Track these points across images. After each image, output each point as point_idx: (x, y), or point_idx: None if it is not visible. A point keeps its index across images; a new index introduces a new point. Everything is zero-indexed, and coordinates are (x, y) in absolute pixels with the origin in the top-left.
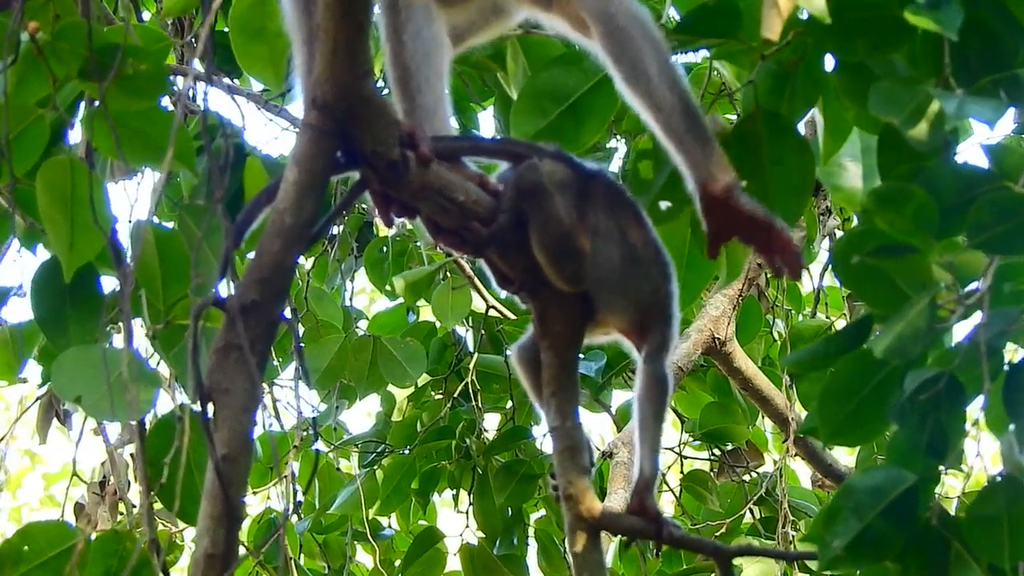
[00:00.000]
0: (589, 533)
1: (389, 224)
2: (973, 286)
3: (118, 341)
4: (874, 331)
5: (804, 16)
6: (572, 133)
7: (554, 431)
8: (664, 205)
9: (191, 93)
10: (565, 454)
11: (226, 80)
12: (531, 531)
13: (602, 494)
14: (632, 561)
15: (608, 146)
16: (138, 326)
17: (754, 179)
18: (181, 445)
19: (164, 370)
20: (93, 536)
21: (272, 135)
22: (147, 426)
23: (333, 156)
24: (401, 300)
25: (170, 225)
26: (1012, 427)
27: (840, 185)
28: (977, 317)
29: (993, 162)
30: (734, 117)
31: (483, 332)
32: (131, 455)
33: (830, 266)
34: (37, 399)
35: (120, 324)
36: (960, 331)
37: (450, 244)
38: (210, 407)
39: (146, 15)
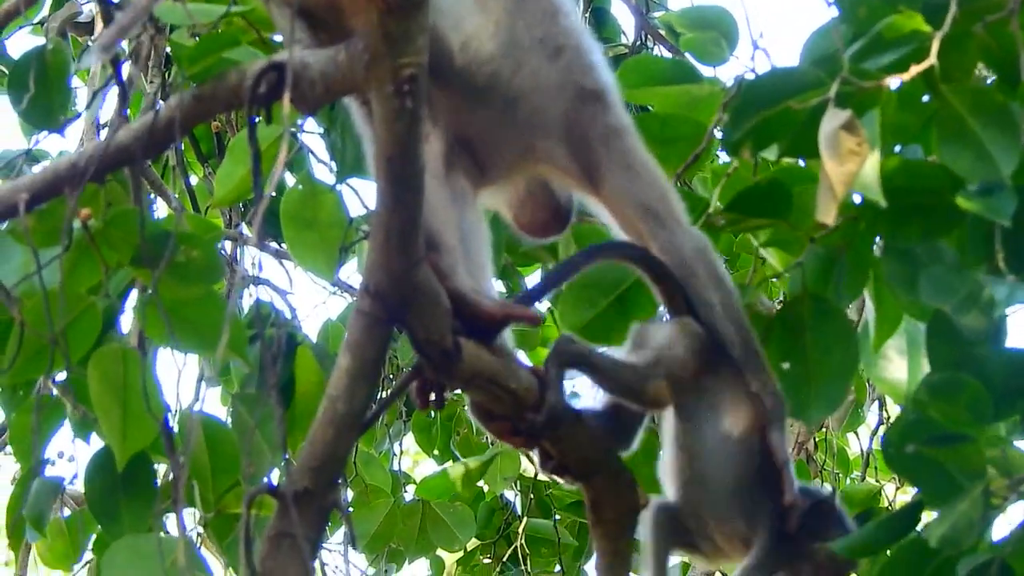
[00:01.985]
0: None
1: (422, 407)
2: None
3: (167, 529)
4: (924, 515)
5: (857, 200)
6: (619, 325)
7: None
8: None
9: (238, 256)
10: None
11: (272, 244)
12: None
13: None
14: None
15: None
16: (189, 515)
17: (796, 363)
18: None
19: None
20: None
21: (320, 299)
22: None
23: (385, 343)
24: (449, 464)
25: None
26: None
27: (885, 378)
28: None
29: None
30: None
31: (532, 496)
32: None
33: (878, 430)
34: (86, 563)
35: (171, 512)
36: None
37: (501, 433)
38: None
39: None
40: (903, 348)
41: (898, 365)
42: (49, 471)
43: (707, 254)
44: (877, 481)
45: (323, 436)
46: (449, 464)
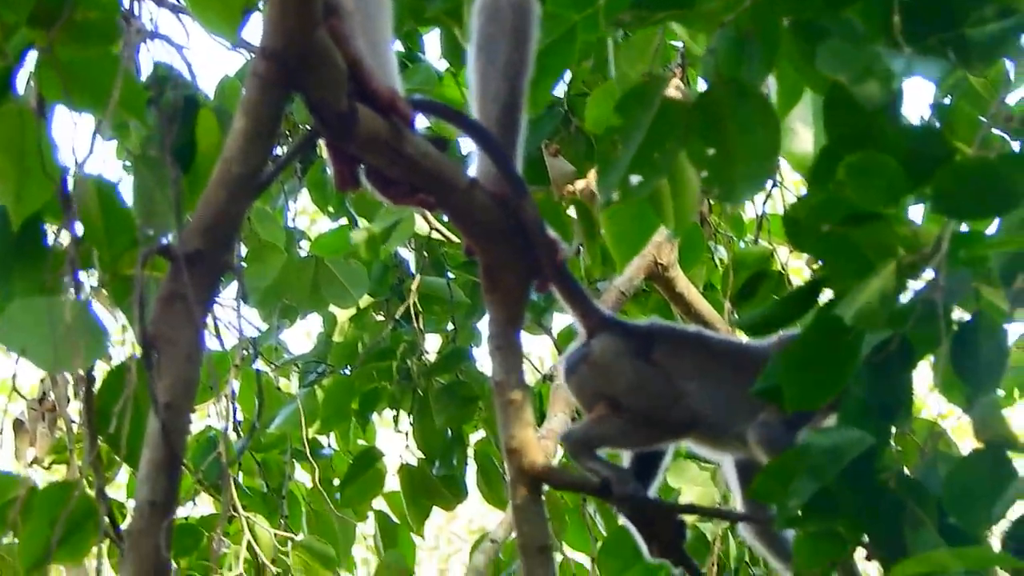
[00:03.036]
0: (531, 487)
1: (341, 188)
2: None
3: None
4: (825, 292)
5: None
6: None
7: (498, 385)
8: (635, 180)
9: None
10: (509, 408)
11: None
12: (470, 452)
13: (541, 418)
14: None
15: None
16: (87, 278)
17: (719, 148)
18: (128, 393)
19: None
20: (39, 485)
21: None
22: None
23: (281, 105)
24: (344, 221)
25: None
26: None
27: (791, 150)
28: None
29: (942, 122)
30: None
31: (426, 255)
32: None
33: (771, 192)
34: None
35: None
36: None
37: (397, 197)
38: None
39: None
40: (808, 119)
41: (803, 137)
42: None
43: (526, 9)
44: (770, 244)
45: (216, 197)
46: (346, 223)
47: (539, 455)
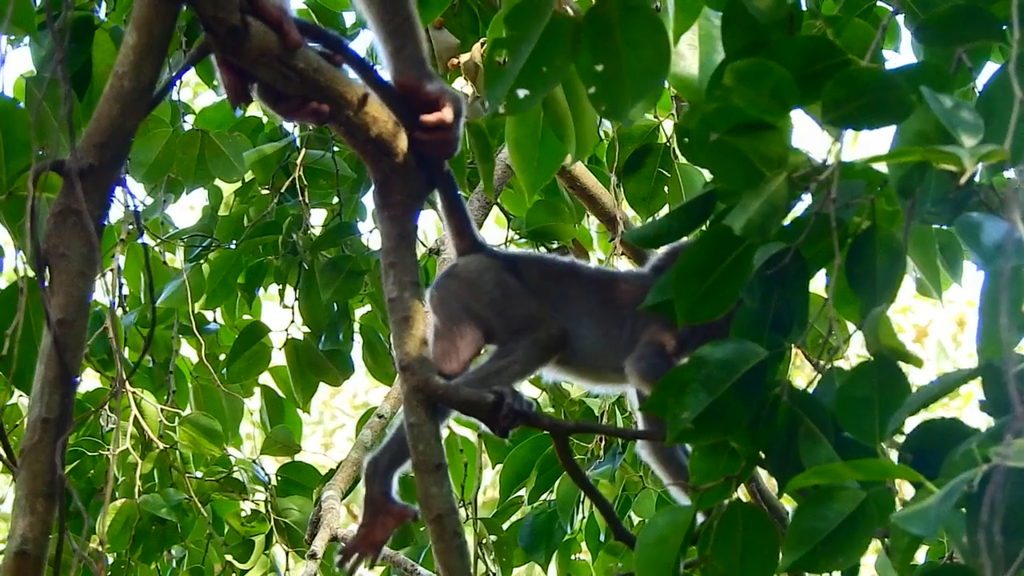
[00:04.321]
0: (425, 405)
1: (233, 103)
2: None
3: None
4: (719, 206)
5: None
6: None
7: (392, 302)
8: (522, 93)
9: None
10: (402, 324)
11: None
12: (356, 327)
13: None
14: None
15: None
16: None
17: (608, 64)
18: (19, 311)
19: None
20: None
21: None
22: None
23: (172, 20)
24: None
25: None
26: (875, 308)
27: (677, 73)
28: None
29: (836, 35)
30: None
31: (311, 128)
32: None
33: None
34: None
35: None
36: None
37: (290, 112)
38: (48, 272)
39: None
40: (695, 43)
41: (690, 60)
42: None
43: None
44: (656, 117)
45: (109, 112)
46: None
47: (432, 373)
